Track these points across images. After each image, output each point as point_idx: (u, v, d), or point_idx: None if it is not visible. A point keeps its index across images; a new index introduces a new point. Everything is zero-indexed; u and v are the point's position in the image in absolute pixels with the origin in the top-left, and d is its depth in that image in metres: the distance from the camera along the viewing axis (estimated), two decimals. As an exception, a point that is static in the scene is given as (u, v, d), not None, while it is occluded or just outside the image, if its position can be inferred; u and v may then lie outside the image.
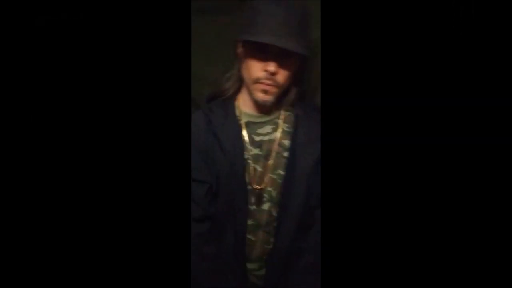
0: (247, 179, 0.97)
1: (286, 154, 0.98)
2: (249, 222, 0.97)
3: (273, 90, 0.94)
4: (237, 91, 1.00)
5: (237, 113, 1.00)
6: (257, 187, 0.96)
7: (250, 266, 0.98)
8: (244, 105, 1.00)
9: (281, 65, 0.91)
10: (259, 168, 0.97)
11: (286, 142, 0.99)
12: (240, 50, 0.94)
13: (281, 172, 0.97)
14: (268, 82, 0.93)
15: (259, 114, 1.00)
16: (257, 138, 0.99)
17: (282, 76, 0.93)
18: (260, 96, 0.94)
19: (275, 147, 0.99)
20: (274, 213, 0.97)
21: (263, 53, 0.90)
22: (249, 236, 0.97)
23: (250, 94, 0.96)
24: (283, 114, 1.01)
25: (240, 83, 0.99)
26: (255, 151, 0.98)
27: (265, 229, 0.97)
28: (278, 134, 1.00)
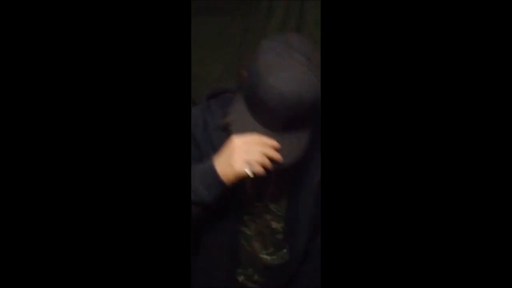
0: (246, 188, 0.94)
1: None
2: (245, 230, 0.96)
3: None
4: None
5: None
6: (258, 204, 0.93)
7: (243, 271, 0.98)
8: None
9: None
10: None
11: None
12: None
13: (284, 186, 0.93)
14: None
15: None
16: None
17: None
18: None
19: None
20: (275, 226, 0.95)
21: None
22: (244, 243, 0.96)
23: None
24: None
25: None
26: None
27: (262, 238, 0.96)
28: None
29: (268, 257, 0.96)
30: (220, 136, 0.89)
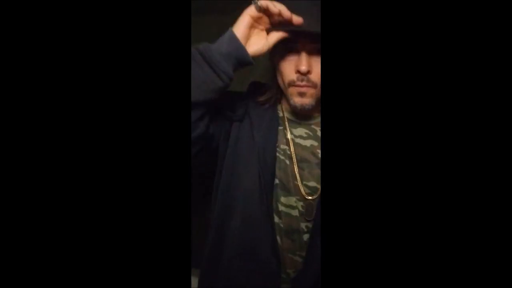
0: (277, 174, 0.93)
1: (319, 166, 0.92)
2: (276, 221, 0.93)
3: (310, 91, 0.90)
4: (279, 98, 0.99)
5: (279, 109, 0.98)
6: (308, 197, 0.91)
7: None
8: (286, 110, 0.98)
9: (314, 62, 0.88)
10: (289, 171, 0.93)
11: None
12: (273, 56, 0.93)
13: (315, 184, 0.92)
14: (303, 83, 0.89)
15: (298, 118, 0.97)
16: (287, 136, 0.95)
17: (316, 74, 0.88)
18: (297, 100, 0.90)
19: (307, 154, 0.94)
20: (303, 225, 0.93)
21: (293, 52, 0.88)
22: (277, 237, 0.93)
23: (288, 100, 0.93)
24: None
25: (280, 93, 0.96)
26: (284, 147, 0.94)
27: (292, 236, 0.93)
28: (312, 141, 0.94)
29: (300, 259, 0.93)
30: (259, 114, 0.95)
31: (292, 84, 0.90)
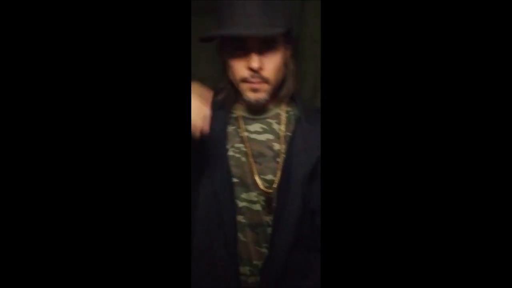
0: (233, 172, 0.94)
1: (276, 159, 0.94)
2: (239, 219, 0.94)
3: (263, 87, 0.91)
4: (236, 95, 0.98)
5: (232, 107, 0.98)
6: (267, 190, 0.93)
7: (241, 269, 0.94)
8: (241, 104, 0.98)
9: (265, 59, 0.89)
10: (246, 167, 0.94)
11: (277, 146, 0.95)
12: (222, 52, 0.93)
13: (271, 177, 0.94)
14: (255, 80, 0.89)
15: (253, 115, 0.98)
16: (242, 133, 0.95)
17: (268, 71, 0.90)
18: (251, 95, 0.91)
19: (263, 149, 0.95)
20: (266, 219, 0.94)
21: (242, 49, 0.88)
22: (239, 234, 0.94)
23: (241, 95, 0.93)
24: (282, 115, 0.97)
25: (234, 88, 0.96)
26: (239, 145, 0.95)
27: (256, 230, 0.94)
28: (267, 135, 0.96)
29: (266, 251, 0.94)
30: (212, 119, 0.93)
31: (244, 80, 0.91)
